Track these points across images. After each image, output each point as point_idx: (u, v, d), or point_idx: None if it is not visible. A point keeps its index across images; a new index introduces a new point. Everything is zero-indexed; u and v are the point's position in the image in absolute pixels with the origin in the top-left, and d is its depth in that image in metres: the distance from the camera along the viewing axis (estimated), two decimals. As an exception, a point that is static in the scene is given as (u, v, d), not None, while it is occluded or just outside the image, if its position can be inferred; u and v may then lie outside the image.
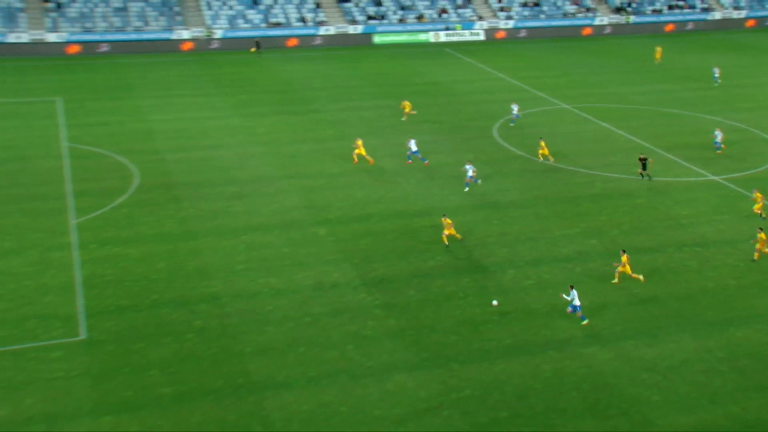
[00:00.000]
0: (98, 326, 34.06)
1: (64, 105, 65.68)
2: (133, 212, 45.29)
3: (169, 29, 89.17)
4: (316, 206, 46.55)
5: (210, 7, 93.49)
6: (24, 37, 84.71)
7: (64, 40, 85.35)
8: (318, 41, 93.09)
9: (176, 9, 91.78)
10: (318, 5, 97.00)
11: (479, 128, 61.77)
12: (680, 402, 29.85)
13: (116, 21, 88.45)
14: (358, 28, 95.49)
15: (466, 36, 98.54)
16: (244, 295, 36.86)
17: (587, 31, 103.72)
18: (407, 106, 63.39)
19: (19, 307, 35.33)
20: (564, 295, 35.67)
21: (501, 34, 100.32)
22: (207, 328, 34.20)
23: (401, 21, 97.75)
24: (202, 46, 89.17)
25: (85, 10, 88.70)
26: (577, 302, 34.43)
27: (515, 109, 62.56)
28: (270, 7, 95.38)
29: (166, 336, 33.52)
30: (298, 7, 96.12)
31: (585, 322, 34.75)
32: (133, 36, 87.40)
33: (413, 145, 53.13)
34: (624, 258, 38.24)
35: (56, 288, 37.10)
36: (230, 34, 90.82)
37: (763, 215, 45.39)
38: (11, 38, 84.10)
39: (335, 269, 39.40)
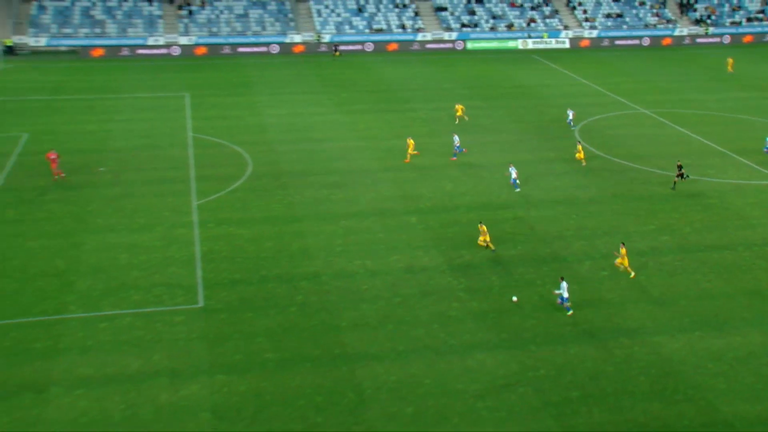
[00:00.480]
0: (214, 296, 34.91)
1: (190, 100, 67.33)
2: (247, 196, 46.14)
3: (283, 33, 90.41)
4: (408, 197, 46.54)
5: (320, 15, 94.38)
6: (161, 40, 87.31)
7: (194, 43, 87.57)
8: (415, 46, 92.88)
9: (290, 16, 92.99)
10: (416, 14, 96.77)
11: (561, 129, 60.63)
12: (745, 391, 28.77)
13: (238, 26, 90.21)
14: (453, 35, 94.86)
15: (552, 44, 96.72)
16: (342, 275, 37.16)
17: (667, 41, 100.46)
18: (460, 109, 62.31)
19: (149, 276, 36.52)
20: (555, 291, 34.99)
21: (585, 43, 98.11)
22: (308, 302, 34.64)
23: (492, 29, 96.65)
24: (311, 48, 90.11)
25: (212, 16, 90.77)
26: (565, 294, 33.46)
27: (571, 114, 60.96)
28: (373, 14, 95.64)
29: (272, 308, 34.11)
30: (399, 15, 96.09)
31: (570, 313, 33.74)
32: (252, 39, 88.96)
33: (457, 140, 53.22)
34: (623, 251, 36.93)
35: (179, 261, 38.15)
36: (337, 39, 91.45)
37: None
38: (150, 41, 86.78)
39: (425, 254, 39.34)
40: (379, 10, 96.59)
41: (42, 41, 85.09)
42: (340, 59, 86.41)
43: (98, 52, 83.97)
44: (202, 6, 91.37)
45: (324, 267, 37.83)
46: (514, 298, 35.02)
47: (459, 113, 61.93)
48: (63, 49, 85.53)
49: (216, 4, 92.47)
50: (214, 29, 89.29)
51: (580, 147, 52.90)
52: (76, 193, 45.95)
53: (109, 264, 37.66)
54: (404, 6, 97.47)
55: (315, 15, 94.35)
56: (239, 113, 63.45)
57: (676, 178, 48.06)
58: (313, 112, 64.49)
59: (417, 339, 32.02)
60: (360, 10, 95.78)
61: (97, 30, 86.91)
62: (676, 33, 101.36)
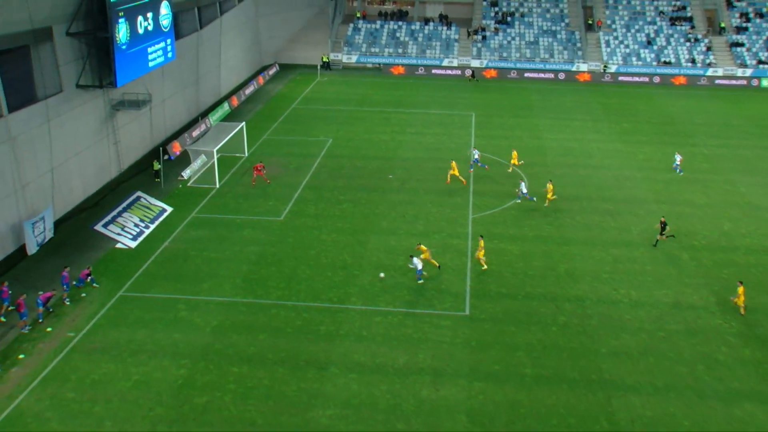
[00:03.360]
0: (479, 306, 35.11)
1: (476, 118, 68.45)
2: (519, 215, 45.89)
3: (570, 62, 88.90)
4: (682, 232, 43.56)
5: (608, 45, 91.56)
6: (454, 62, 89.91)
7: (484, 66, 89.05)
8: (704, 81, 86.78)
9: (578, 45, 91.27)
10: (709, 48, 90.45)
11: None
12: None
13: (527, 52, 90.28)
14: (747, 72, 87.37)
15: None
16: (606, 301, 35.67)
17: None
18: (515, 156, 55.47)
19: (425, 280, 37.60)
20: (409, 264, 36.63)
21: None
22: (569, 324, 33.66)
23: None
24: (596, 78, 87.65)
25: (504, 42, 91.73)
26: (419, 266, 36.62)
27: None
28: (663, 47, 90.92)
29: (534, 324, 33.58)
30: (690, 50, 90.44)
31: (421, 281, 36.26)
32: (539, 65, 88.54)
33: (476, 154, 51.95)
34: (740, 290, 34.27)
35: (451, 269, 38.87)
36: (623, 69, 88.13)
37: None
38: (445, 62, 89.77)
39: (694, 292, 36.60)
40: (669, 43, 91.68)
41: (353, 58, 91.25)
42: (480, 83, 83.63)
43: (399, 70, 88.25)
44: (496, 32, 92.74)
45: (588, 292, 36.57)
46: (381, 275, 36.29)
47: (514, 160, 54.88)
48: (369, 65, 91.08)
49: (509, 30, 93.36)
50: (505, 54, 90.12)
51: (550, 186, 47.56)
52: (367, 195, 48.58)
53: (388, 263, 39.33)
54: (696, 40, 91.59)
55: (603, 45, 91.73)
56: (520, 134, 63.36)
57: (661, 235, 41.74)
58: (592, 138, 62.68)
59: (678, 377, 29.84)
60: (649, 43, 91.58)
61: (400, 50, 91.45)
62: None
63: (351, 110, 70.96)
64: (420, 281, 36.95)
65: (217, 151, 51.04)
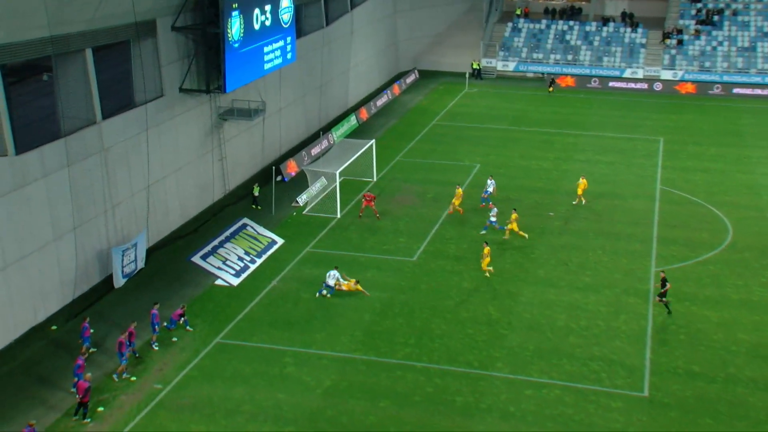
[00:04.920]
0: (662, 386, 33.95)
1: (664, 145, 66.83)
2: (720, 271, 44.23)
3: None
4: None
5: None
6: (639, 73, 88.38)
7: (678, 78, 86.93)
8: None
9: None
10: None
11: None
12: None
13: (738, 61, 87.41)
14: None
15: None
16: (836, 392, 33.64)
17: None
18: (583, 185, 53.19)
19: (588, 346, 36.84)
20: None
21: None
22: (783, 418, 31.94)
23: None
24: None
25: (707, 48, 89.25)
26: (331, 282, 40.83)
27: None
28: None
29: (740, 419, 31.93)
30: None
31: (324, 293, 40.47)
32: (755, 79, 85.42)
33: (491, 187, 52.75)
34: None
35: (626, 334, 37.87)
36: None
37: None
38: (627, 73, 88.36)
39: None
40: None
41: (510, 65, 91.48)
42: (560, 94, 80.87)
43: (567, 81, 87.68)
44: (696, 36, 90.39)
45: (811, 377, 34.64)
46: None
47: (580, 191, 53.38)
48: (530, 75, 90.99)
49: (715, 33, 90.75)
50: (707, 64, 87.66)
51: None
52: (520, 237, 48.23)
53: (544, 322, 38.80)
54: None
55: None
56: (723, 167, 61.30)
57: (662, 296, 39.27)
58: (826, 177, 59.72)
59: None
60: None
61: (569, 56, 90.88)
62: None
63: (505, 130, 70.96)
64: (323, 293, 41.04)
65: (340, 174, 52.22)
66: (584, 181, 53.93)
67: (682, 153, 64.97)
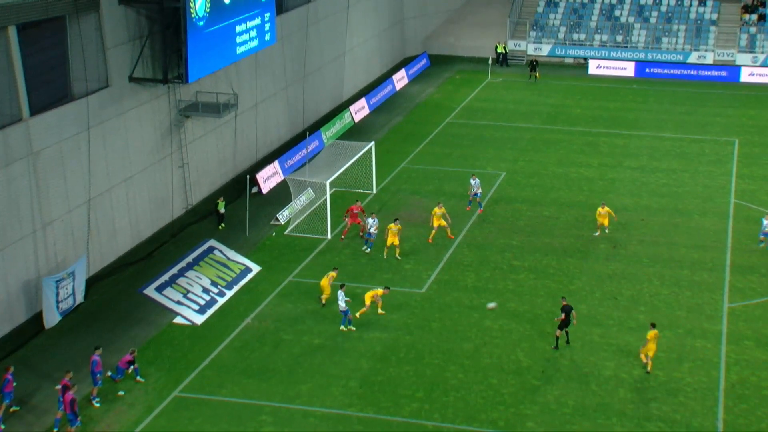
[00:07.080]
0: (738, 453, 33.79)
1: (739, 148, 66.76)
2: (810, 307, 44.16)
3: None
4: None
5: None
6: (708, 57, 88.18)
7: (759, 63, 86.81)
8: None
9: None
10: None
11: None
12: None
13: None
14: None
15: None
16: None
17: None
18: (604, 215, 51.91)
19: (644, 402, 36.48)
20: None
21: None
22: None
23: None
24: None
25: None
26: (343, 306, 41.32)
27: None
28: None
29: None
30: None
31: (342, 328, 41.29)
32: None
33: (476, 186, 53.96)
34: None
35: (691, 388, 37.55)
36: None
37: None
38: (693, 57, 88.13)
39: None
40: None
41: (544, 49, 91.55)
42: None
43: (615, 69, 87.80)
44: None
45: None
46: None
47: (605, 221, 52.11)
48: (569, 60, 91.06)
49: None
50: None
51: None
52: (558, 262, 48.11)
53: (588, 371, 38.58)
54: None
55: None
56: (813, 177, 61.38)
57: None
58: None
59: None
60: None
61: (619, 37, 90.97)
62: None
63: (537, 129, 71.00)
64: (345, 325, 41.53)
65: (331, 185, 52.12)
66: (607, 209, 51.75)
67: (763, 158, 64.89)
